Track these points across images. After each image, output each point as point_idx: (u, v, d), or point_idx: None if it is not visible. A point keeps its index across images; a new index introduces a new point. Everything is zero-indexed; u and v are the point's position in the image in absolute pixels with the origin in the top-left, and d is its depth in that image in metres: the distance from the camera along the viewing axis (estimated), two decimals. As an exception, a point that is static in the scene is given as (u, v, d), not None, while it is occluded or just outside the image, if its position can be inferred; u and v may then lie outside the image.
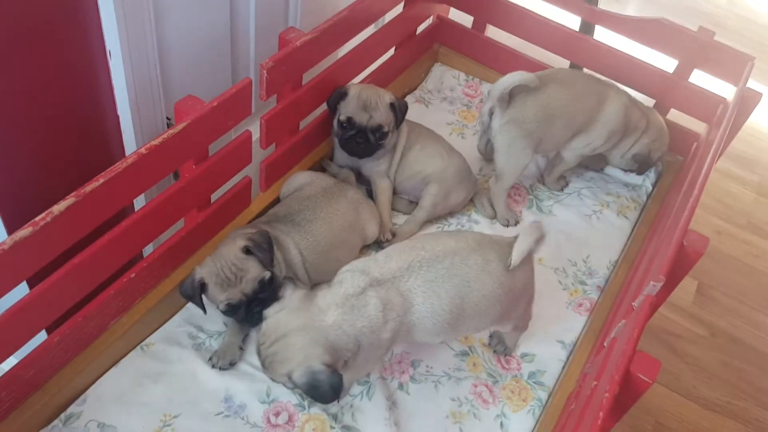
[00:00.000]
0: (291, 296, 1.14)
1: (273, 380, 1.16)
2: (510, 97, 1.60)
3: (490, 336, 1.45)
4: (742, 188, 2.92)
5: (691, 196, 1.21)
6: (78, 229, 1.06)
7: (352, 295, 1.12)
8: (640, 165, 1.77)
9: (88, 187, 1.03)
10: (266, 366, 1.12)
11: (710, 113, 1.74)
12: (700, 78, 1.83)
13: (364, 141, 1.57)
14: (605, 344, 1.24)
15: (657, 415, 2.08)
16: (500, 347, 1.44)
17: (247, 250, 1.25)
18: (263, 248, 1.26)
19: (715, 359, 2.25)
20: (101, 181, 1.05)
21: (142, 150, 1.11)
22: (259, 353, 1.13)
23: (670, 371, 2.17)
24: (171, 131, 1.15)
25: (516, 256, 1.20)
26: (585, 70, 1.96)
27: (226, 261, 1.24)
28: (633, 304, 1.13)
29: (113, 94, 1.31)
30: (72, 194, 1.02)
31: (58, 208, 1.00)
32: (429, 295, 1.15)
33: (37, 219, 0.98)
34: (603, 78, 1.78)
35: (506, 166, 1.67)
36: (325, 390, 1.07)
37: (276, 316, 1.12)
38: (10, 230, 1.23)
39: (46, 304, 1.08)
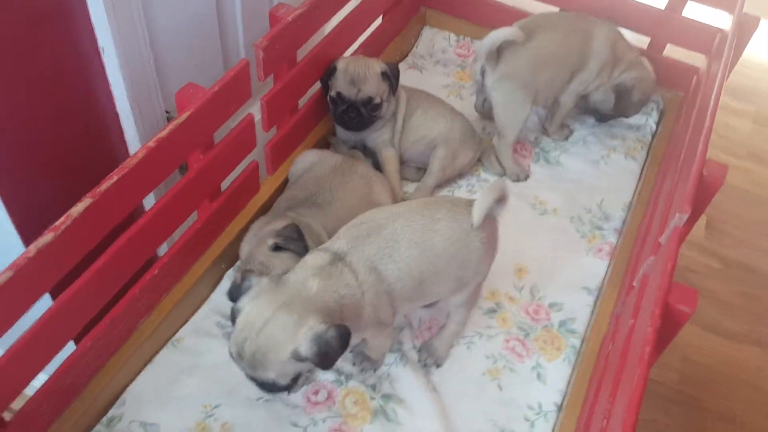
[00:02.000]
0: (259, 283, 1.04)
1: (260, 381, 1.04)
2: (498, 53, 1.58)
3: (419, 351, 1.36)
4: (739, 119, 2.92)
5: (703, 127, 1.20)
6: (97, 231, 1.04)
7: (324, 267, 1.07)
8: (618, 98, 1.71)
9: (103, 186, 1.02)
10: (258, 360, 0.99)
11: (708, 44, 1.73)
12: (694, 10, 1.82)
13: (357, 115, 1.56)
14: (634, 284, 1.24)
15: (682, 350, 2.10)
16: (431, 359, 1.35)
17: (276, 247, 1.23)
18: (295, 239, 1.24)
19: (733, 290, 2.27)
20: (115, 178, 1.03)
21: (151, 143, 1.09)
22: (240, 353, 1.00)
23: (690, 307, 2.19)
24: (177, 121, 1.13)
25: (477, 214, 1.16)
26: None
27: (258, 263, 1.23)
28: (659, 239, 1.13)
29: (110, 91, 1.29)
30: (88, 194, 1.00)
31: (76, 210, 0.98)
32: (386, 261, 1.11)
33: (57, 223, 0.96)
34: (585, 15, 1.75)
35: (506, 122, 1.66)
36: (337, 348, 0.98)
37: (252, 304, 1.01)
38: (24, 236, 1.22)
39: (73, 312, 1.07)
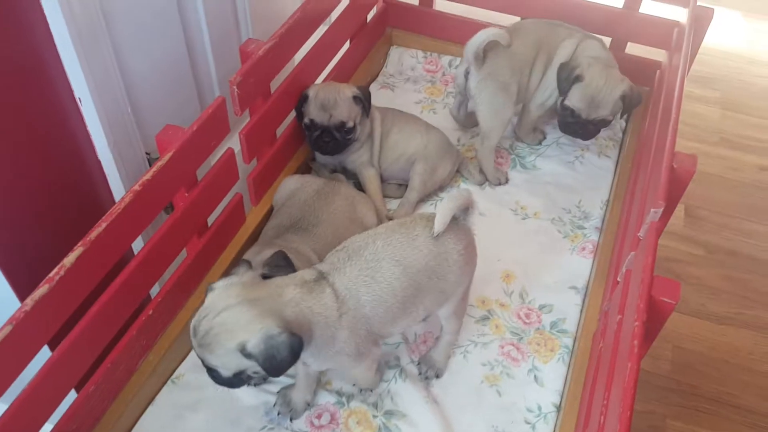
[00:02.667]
0: (243, 274, 1.06)
1: (206, 363, 1.03)
2: (484, 53, 1.64)
3: (418, 364, 1.39)
4: (706, 107, 2.99)
5: (670, 120, 1.25)
6: (90, 278, 1.06)
7: (309, 281, 1.08)
8: (626, 106, 1.67)
9: (93, 234, 1.04)
10: (207, 341, 0.99)
11: (667, 39, 1.79)
12: (650, 7, 1.88)
13: (331, 139, 1.60)
14: (618, 279, 1.28)
15: (673, 340, 2.13)
16: (431, 371, 1.37)
17: (265, 277, 1.25)
18: (282, 266, 1.26)
19: (717, 275, 2.31)
20: (104, 225, 1.05)
21: (137, 187, 1.11)
22: (196, 328, 1.00)
23: (676, 296, 2.23)
24: (159, 163, 1.16)
25: (438, 222, 1.16)
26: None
27: None
28: (638, 234, 1.17)
29: (91, 140, 1.31)
30: (79, 243, 1.02)
31: (68, 260, 1.00)
32: (369, 283, 1.12)
33: (51, 275, 0.98)
34: (566, 24, 1.79)
35: (490, 123, 1.71)
36: (284, 356, 0.97)
37: (224, 287, 1.02)
38: (17, 289, 1.23)
39: (73, 360, 1.08)
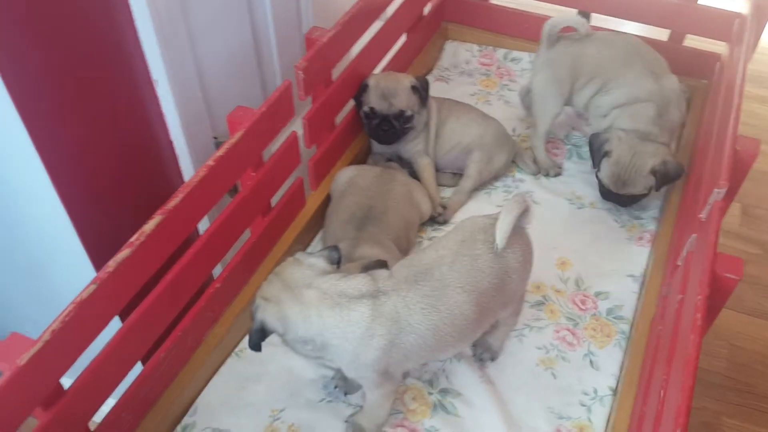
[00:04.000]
0: (321, 254, 1.13)
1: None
2: (557, 38, 1.67)
3: (473, 346, 1.38)
4: (764, 106, 2.93)
5: (732, 105, 1.25)
6: (167, 246, 1.12)
7: (346, 296, 1.08)
8: (660, 180, 1.56)
9: (171, 203, 1.09)
10: None
11: (727, 31, 1.77)
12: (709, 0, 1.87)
13: (390, 128, 1.63)
14: (678, 263, 1.28)
15: (729, 338, 2.10)
16: (486, 354, 1.37)
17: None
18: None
19: (775, 274, 2.27)
20: (180, 196, 1.11)
21: (210, 162, 1.17)
22: None
23: (733, 294, 2.19)
24: (231, 140, 1.21)
25: (500, 237, 1.14)
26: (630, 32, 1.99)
27: None
28: (700, 216, 1.17)
29: (164, 122, 1.37)
30: (158, 212, 1.08)
31: (148, 227, 1.06)
32: (428, 311, 1.10)
33: (132, 239, 1.04)
34: (650, 56, 1.68)
35: (538, 110, 1.74)
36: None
37: (293, 259, 1.12)
38: (96, 262, 1.30)
39: (148, 324, 1.14)
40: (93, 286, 0.98)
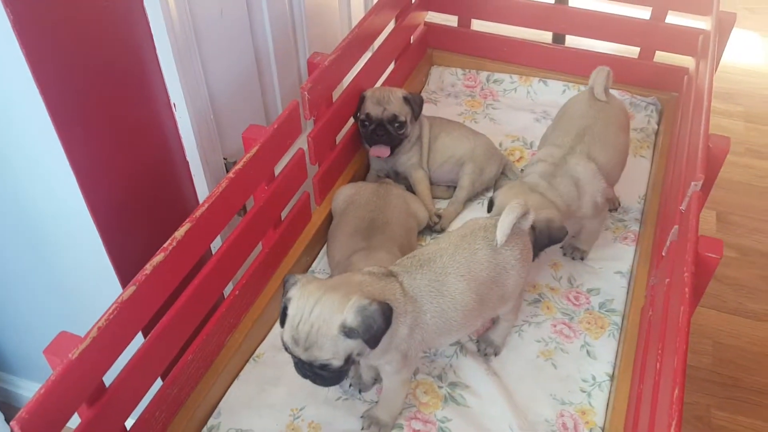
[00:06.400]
0: (305, 277, 1.13)
1: (318, 362, 1.08)
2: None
3: (477, 342, 1.49)
4: (731, 120, 3.11)
5: (703, 108, 1.37)
6: (195, 251, 1.20)
7: (377, 274, 1.17)
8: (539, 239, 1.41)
9: (198, 212, 1.18)
10: (312, 340, 1.06)
11: (693, 46, 1.92)
12: (675, 18, 2.03)
13: (385, 133, 1.75)
14: (663, 253, 1.39)
15: (713, 336, 2.21)
16: (490, 349, 1.47)
17: None
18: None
19: (752, 275, 2.40)
20: (206, 205, 1.20)
21: (231, 175, 1.26)
22: (294, 336, 1.08)
23: (714, 295, 2.32)
24: (248, 155, 1.31)
25: (500, 235, 1.24)
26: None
27: None
28: (681, 208, 1.28)
29: (180, 143, 1.46)
30: (187, 220, 1.16)
31: (179, 233, 1.14)
32: (435, 295, 1.20)
33: (165, 245, 1.12)
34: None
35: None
36: (380, 323, 1.06)
37: (303, 289, 1.09)
38: (122, 278, 1.38)
39: (176, 327, 1.22)
40: (133, 288, 1.06)
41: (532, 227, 1.35)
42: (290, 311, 1.09)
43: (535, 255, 1.39)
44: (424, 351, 1.42)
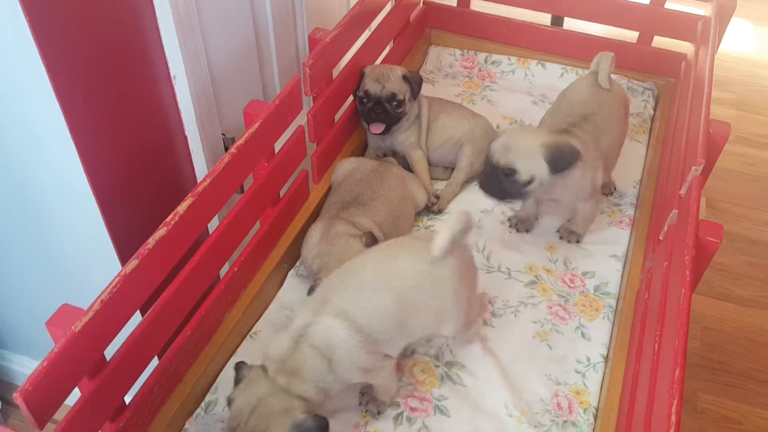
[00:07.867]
0: (248, 375, 1.14)
1: None
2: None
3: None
4: (722, 108, 3.13)
5: (703, 94, 1.38)
6: (197, 226, 1.19)
7: (286, 358, 1.12)
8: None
9: (200, 187, 1.17)
10: None
11: (692, 32, 1.93)
12: (674, 5, 2.03)
13: (383, 111, 1.74)
14: (660, 237, 1.40)
15: (700, 321, 2.24)
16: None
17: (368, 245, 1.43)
18: (371, 243, 1.43)
19: (740, 261, 2.43)
20: (208, 180, 1.19)
21: (233, 150, 1.25)
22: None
23: (702, 281, 2.34)
24: (250, 131, 1.30)
25: (437, 247, 1.18)
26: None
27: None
28: (680, 192, 1.29)
29: (180, 117, 1.45)
30: (189, 195, 1.15)
31: (181, 207, 1.13)
32: (361, 301, 1.16)
33: (167, 220, 1.11)
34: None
35: None
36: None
37: (242, 393, 1.11)
38: (120, 252, 1.37)
39: (176, 303, 1.21)
40: (135, 261, 1.05)
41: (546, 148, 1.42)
42: (231, 412, 1.11)
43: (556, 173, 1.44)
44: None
